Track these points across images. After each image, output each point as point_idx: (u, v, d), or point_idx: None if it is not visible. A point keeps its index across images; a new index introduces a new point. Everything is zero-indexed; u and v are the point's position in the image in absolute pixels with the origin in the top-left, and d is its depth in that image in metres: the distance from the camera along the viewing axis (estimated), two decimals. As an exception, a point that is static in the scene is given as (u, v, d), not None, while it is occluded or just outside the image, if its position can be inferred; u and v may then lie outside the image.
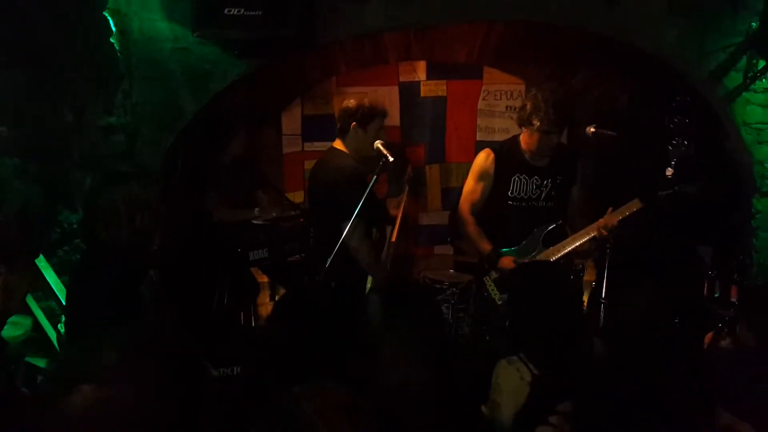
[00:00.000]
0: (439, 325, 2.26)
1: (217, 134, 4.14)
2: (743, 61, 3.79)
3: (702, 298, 3.86)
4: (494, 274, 3.56)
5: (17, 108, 3.27)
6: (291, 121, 4.85)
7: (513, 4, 3.73)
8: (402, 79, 4.83)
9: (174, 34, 3.56)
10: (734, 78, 3.82)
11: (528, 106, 3.43)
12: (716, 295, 3.72)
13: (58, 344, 3.36)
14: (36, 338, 3.36)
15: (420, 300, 2.04)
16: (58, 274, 3.40)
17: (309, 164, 4.41)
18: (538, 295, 2.24)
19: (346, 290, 3.48)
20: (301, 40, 3.45)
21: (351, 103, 3.55)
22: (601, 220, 3.39)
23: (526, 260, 3.44)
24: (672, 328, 2.58)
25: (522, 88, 4.80)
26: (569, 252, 3.48)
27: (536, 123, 3.39)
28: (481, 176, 3.62)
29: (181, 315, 3.00)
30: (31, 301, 3.31)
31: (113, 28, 3.45)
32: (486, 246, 3.52)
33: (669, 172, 3.50)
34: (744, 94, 3.85)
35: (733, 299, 3.76)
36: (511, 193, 3.57)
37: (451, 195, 4.94)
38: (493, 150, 3.65)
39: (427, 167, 4.93)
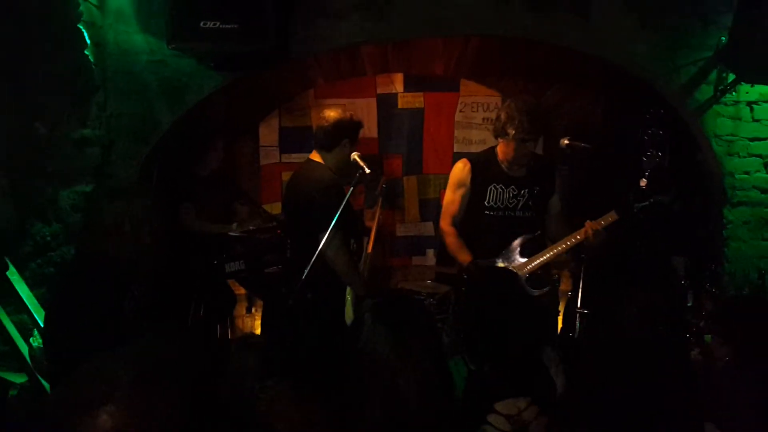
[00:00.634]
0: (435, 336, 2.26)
1: (193, 146, 4.12)
2: (713, 74, 3.87)
3: (678, 307, 3.90)
4: None
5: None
6: (269, 133, 4.86)
7: (488, 20, 3.77)
8: (380, 91, 4.86)
9: (149, 46, 3.56)
10: (705, 91, 3.89)
11: (502, 116, 3.47)
12: (689, 305, 3.77)
13: (30, 359, 3.31)
14: (7, 352, 3.31)
15: (416, 312, 2.04)
16: (31, 287, 3.35)
17: (286, 176, 4.42)
18: (482, 295, 2.26)
19: (325, 301, 3.49)
20: (276, 53, 3.46)
21: (341, 117, 3.50)
22: (581, 230, 3.43)
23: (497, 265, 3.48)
24: (655, 337, 2.59)
25: (498, 100, 4.85)
26: (547, 262, 3.51)
27: (511, 132, 3.42)
28: (458, 186, 3.64)
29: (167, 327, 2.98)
30: (2, 314, 3.27)
31: (88, 41, 3.43)
32: (465, 257, 3.54)
33: (643, 183, 3.56)
34: (714, 106, 3.92)
35: (706, 309, 3.82)
36: (488, 203, 3.58)
37: (428, 206, 4.97)
38: (470, 160, 3.67)
39: (404, 178, 4.95)
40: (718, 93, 3.88)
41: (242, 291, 4.63)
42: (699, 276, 3.96)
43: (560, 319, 3.97)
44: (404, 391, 1.63)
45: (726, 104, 3.92)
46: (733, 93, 3.90)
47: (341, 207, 3.21)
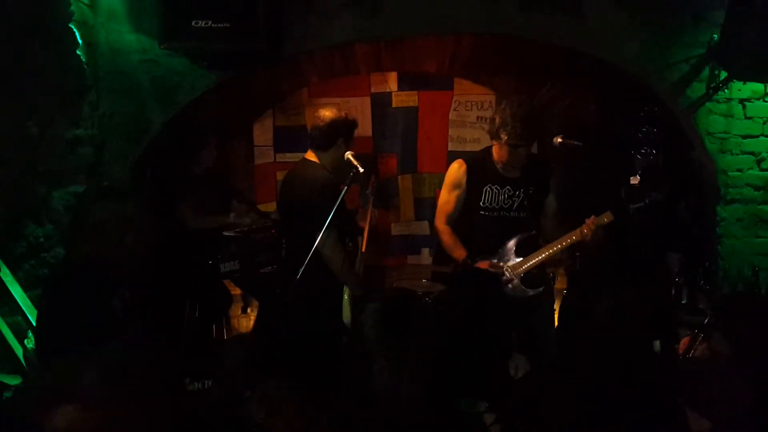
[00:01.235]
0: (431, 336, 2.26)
1: (187, 146, 4.11)
2: (706, 72, 3.87)
3: (671, 304, 3.92)
4: None
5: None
6: (263, 132, 4.85)
7: (480, 18, 3.78)
8: (374, 89, 4.85)
9: (142, 45, 3.55)
10: (697, 88, 3.90)
11: (497, 120, 3.47)
12: (683, 302, 3.78)
13: (25, 360, 3.30)
14: (1, 354, 3.30)
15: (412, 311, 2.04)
16: (25, 288, 3.34)
17: (281, 175, 4.41)
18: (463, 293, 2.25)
19: (321, 300, 3.49)
20: (269, 52, 3.46)
21: (337, 116, 3.51)
22: (576, 230, 3.45)
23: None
24: (641, 332, 2.60)
25: (492, 98, 4.85)
26: (542, 262, 3.52)
27: (504, 137, 3.43)
28: (454, 186, 3.65)
29: (154, 328, 2.97)
30: (-4, 316, 3.26)
31: (80, 40, 3.43)
32: (461, 253, 3.54)
33: (635, 180, 3.57)
34: (707, 104, 3.93)
35: (701, 306, 3.83)
36: (483, 204, 3.59)
37: (423, 205, 4.96)
38: (465, 160, 3.68)
39: (399, 177, 4.95)
40: (711, 90, 3.89)
41: (238, 291, 4.62)
42: (693, 273, 3.98)
43: (556, 317, 3.98)
44: (402, 390, 1.64)
45: (718, 101, 3.93)
46: (726, 90, 3.90)
47: (336, 206, 3.21)
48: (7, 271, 3.28)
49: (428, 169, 4.96)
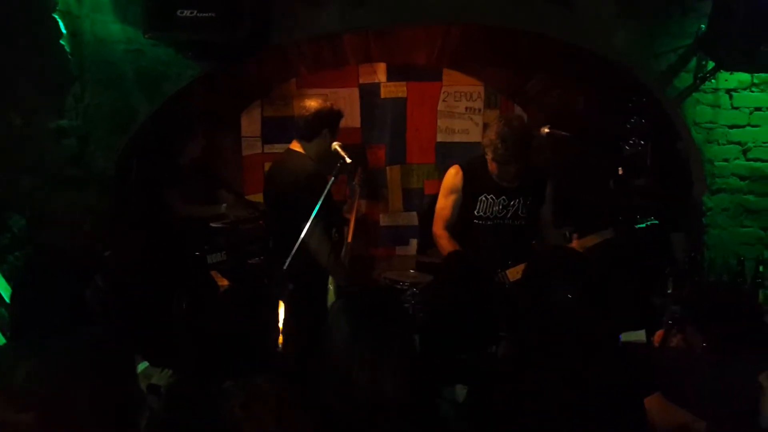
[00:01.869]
0: (407, 328, 2.26)
1: (173, 136, 4.09)
2: (693, 62, 3.87)
3: (656, 293, 3.92)
4: None
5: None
6: (250, 123, 4.82)
7: (468, 8, 3.76)
8: (362, 80, 4.83)
9: (126, 35, 3.52)
10: (684, 79, 3.90)
11: (486, 136, 3.57)
12: (669, 291, 3.79)
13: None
14: (-15, 346, 3.28)
15: (387, 303, 2.05)
16: (8, 280, 3.32)
17: (269, 166, 4.39)
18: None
19: (307, 291, 3.49)
20: (255, 42, 3.44)
21: (321, 107, 3.53)
22: (574, 243, 3.47)
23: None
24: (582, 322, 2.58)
25: (481, 89, 4.84)
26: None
27: (490, 155, 3.52)
28: (450, 192, 3.71)
29: (138, 320, 2.96)
30: (-20, 308, 3.24)
31: (63, 30, 3.39)
32: (454, 247, 3.58)
33: (620, 171, 3.58)
34: (694, 94, 3.93)
35: (685, 295, 3.84)
36: (477, 212, 3.65)
37: (411, 196, 4.96)
38: (462, 167, 3.73)
39: (387, 168, 4.94)
40: (698, 80, 3.89)
41: (225, 282, 4.61)
42: (679, 263, 3.99)
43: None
44: (380, 384, 1.64)
45: (705, 92, 3.94)
46: (713, 80, 3.91)
47: (323, 197, 3.21)
48: (-9, 264, 3.26)
49: (417, 160, 4.95)
